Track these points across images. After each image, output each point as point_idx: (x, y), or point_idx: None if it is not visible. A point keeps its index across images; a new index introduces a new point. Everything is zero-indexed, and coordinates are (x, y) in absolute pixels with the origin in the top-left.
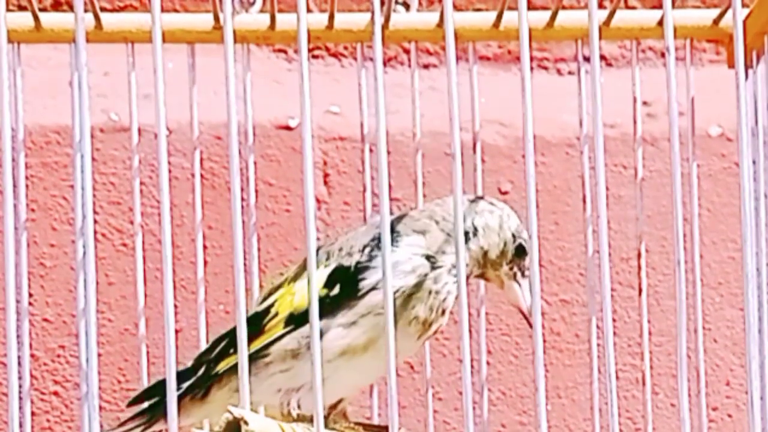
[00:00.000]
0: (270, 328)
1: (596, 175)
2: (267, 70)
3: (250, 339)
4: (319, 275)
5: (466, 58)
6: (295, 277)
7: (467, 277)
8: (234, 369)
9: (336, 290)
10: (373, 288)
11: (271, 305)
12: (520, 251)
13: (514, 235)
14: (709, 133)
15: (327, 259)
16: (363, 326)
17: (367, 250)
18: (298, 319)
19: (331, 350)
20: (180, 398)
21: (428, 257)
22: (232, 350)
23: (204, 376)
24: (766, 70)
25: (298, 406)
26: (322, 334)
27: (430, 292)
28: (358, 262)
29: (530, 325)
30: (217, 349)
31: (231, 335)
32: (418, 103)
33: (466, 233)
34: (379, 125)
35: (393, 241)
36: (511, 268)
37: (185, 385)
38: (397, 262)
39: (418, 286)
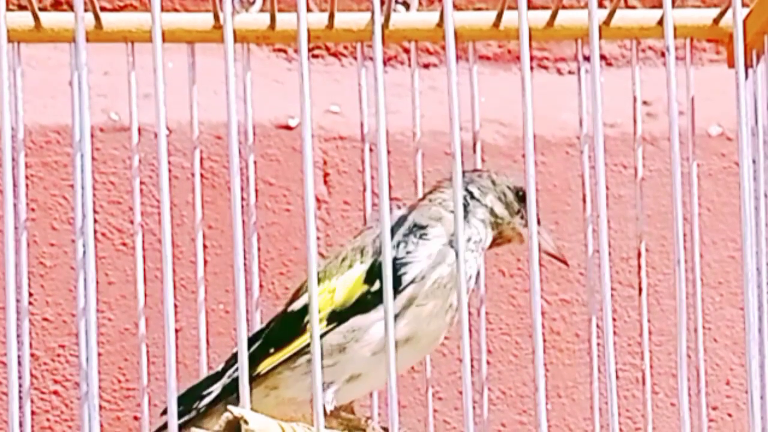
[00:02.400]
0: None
1: (596, 175)
2: (267, 70)
3: (290, 338)
4: (355, 272)
5: (466, 57)
6: (329, 275)
7: (490, 246)
8: (272, 368)
9: (376, 286)
10: (412, 281)
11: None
12: (522, 197)
13: (508, 186)
14: (709, 132)
15: (361, 256)
16: (406, 318)
17: (402, 245)
18: (341, 316)
19: (375, 343)
20: (214, 402)
21: (451, 244)
22: (272, 350)
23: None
24: (766, 69)
25: (332, 400)
26: (366, 330)
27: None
28: (395, 258)
29: (566, 264)
30: (251, 349)
31: (266, 335)
32: (418, 102)
33: (465, 199)
34: (379, 125)
35: (422, 234)
36: (522, 217)
37: (217, 387)
38: (430, 254)
39: (451, 274)
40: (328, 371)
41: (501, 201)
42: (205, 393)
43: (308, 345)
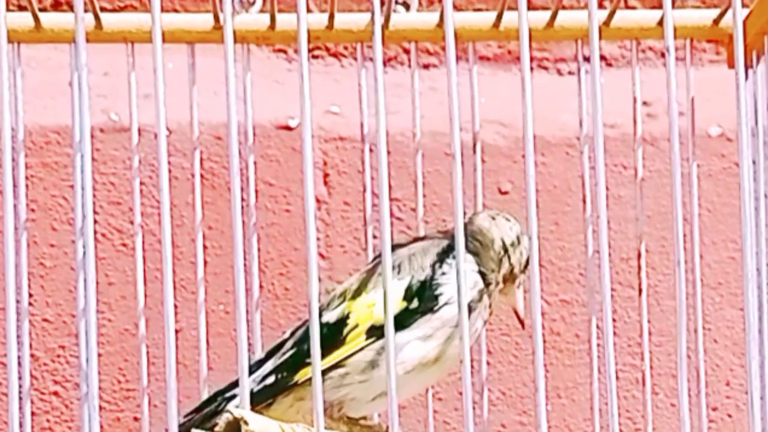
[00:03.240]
0: (351, 339)
1: (596, 175)
2: (267, 70)
3: (328, 350)
4: (394, 287)
5: (466, 58)
6: (367, 288)
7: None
8: (307, 379)
9: (414, 303)
10: (447, 303)
11: (347, 316)
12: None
13: (524, 250)
14: (709, 133)
15: (398, 273)
16: (438, 339)
17: (437, 266)
18: (381, 331)
19: (408, 362)
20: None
21: (480, 273)
22: (308, 359)
23: (275, 386)
24: (766, 70)
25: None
26: (400, 348)
27: (486, 306)
28: (432, 277)
29: (522, 327)
30: (285, 356)
31: (301, 345)
32: (418, 103)
33: (500, 254)
34: (379, 125)
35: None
36: (523, 273)
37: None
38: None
39: (480, 300)
40: (358, 387)
41: (520, 263)
42: (228, 395)
43: (345, 358)
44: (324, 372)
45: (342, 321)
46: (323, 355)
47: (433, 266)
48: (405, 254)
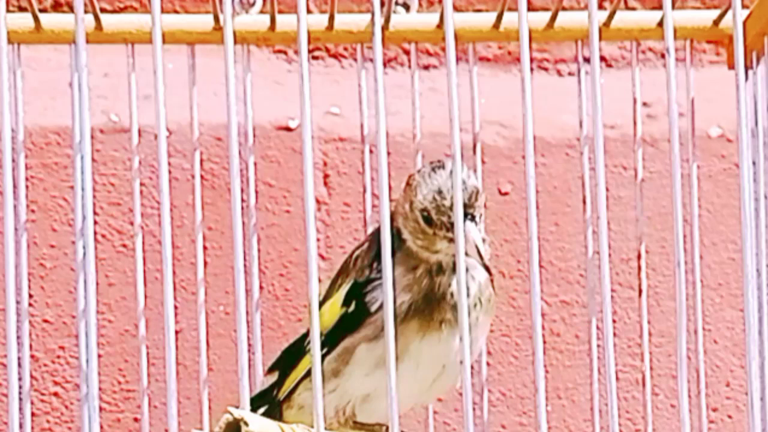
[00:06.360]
0: (309, 351)
1: (596, 176)
2: (267, 71)
3: (299, 360)
4: (338, 295)
5: (466, 59)
6: (327, 296)
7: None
8: (291, 392)
9: (352, 307)
10: (381, 307)
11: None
12: (427, 219)
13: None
14: (709, 134)
15: (346, 277)
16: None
17: (375, 264)
18: (330, 338)
19: (366, 364)
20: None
21: (416, 268)
22: (288, 370)
23: (274, 403)
24: (766, 71)
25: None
26: (352, 351)
27: (444, 291)
28: (368, 279)
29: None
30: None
31: (286, 355)
32: (418, 104)
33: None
34: (379, 126)
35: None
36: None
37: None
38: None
39: (430, 290)
40: (333, 396)
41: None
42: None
43: (308, 372)
44: (307, 381)
45: (305, 334)
46: (291, 371)
47: (371, 266)
48: (352, 257)
